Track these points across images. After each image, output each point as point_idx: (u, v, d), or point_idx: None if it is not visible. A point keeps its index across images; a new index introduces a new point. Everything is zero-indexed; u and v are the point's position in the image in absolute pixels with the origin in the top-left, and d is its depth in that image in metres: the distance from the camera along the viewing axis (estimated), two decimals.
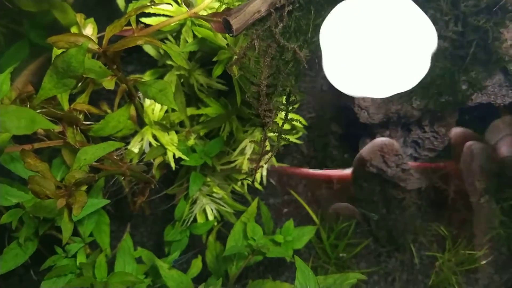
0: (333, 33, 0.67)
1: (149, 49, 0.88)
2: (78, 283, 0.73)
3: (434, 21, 0.78)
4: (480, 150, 0.91)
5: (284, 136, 0.68)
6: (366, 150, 1.01)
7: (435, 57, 0.80)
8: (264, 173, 1.01)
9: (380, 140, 0.96)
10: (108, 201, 0.74)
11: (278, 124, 0.68)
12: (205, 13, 0.71)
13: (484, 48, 0.76)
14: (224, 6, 0.67)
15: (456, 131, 0.92)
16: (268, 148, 0.95)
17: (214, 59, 0.75)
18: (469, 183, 0.95)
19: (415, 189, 1.05)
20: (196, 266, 0.89)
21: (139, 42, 0.62)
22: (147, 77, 0.90)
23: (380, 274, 1.10)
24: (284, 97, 0.66)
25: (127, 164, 0.80)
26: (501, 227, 1.05)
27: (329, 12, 0.67)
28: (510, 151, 0.91)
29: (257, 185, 0.98)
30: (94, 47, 0.65)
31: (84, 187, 0.65)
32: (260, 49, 0.62)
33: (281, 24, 0.63)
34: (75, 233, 0.81)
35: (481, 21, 0.74)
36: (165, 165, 0.90)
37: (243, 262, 0.82)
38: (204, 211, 0.92)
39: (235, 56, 0.63)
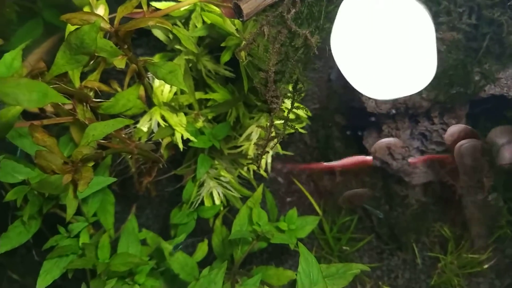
0: (346, 27, 0.67)
1: (158, 33, 0.88)
2: (80, 264, 0.73)
3: (448, 13, 0.78)
4: (471, 148, 0.89)
5: (290, 123, 0.67)
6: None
7: (448, 49, 0.80)
8: (269, 160, 1.01)
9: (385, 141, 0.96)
10: (114, 179, 0.75)
11: (284, 111, 0.68)
12: None
13: (498, 41, 0.75)
14: None
15: (452, 129, 0.90)
16: (273, 135, 0.96)
17: (222, 44, 0.75)
18: (464, 180, 0.94)
19: (420, 186, 1.05)
20: (202, 250, 0.90)
21: (150, 23, 0.62)
22: (156, 59, 0.90)
23: (383, 270, 1.10)
24: (291, 85, 0.65)
25: (135, 143, 0.80)
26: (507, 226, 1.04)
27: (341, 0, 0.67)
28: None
29: (262, 171, 0.99)
30: (106, 26, 0.65)
31: (91, 164, 0.66)
32: (270, 35, 0.62)
33: (294, 10, 0.63)
34: (79, 213, 0.82)
35: (495, 14, 0.73)
36: (173, 145, 0.90)
37: (247, 247, 0.82)
38: (211, 194, 0.92)
39: (244, 42, 0.63)
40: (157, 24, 0.62)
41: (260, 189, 0.90)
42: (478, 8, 0.75)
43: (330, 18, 0.65)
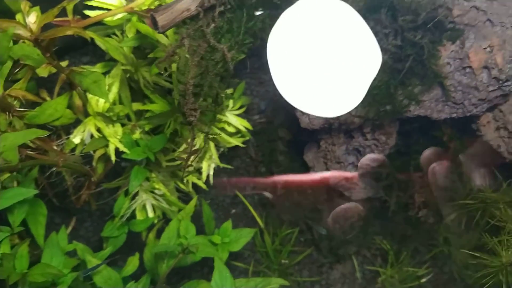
0: (280, 42, 0.68)
1: (99, 42, 0.88)
2: None
3: (375, 33, 0.79)
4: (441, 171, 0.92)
5: (212, 136, 0.68)
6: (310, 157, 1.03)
7: None
8: (211, 173, 1.01)
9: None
10: (35, 191, 0.73)
11: (207, 124, 0.69)
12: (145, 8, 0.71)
13: (420, 63, 0.77)
14: (157, 3, 0.68)
15: (426, 153, 0.92)
16: (213, 148, 0.96)
17: (150, 55, 0.76)
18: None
19: (361, 200, 1.06)
20: (133, 264, 0.88)
21: (69, 32, 0.62)
22: (97, 69, 0.90)
23: (322, 284, 1.10)
24: (209, 99, 0.66)
25: (62, 154, 0.79)
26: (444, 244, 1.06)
27: (263, 15, 0.68)
28: (482, 181, 0.92)
29: (200, 183, 0.99)
30: (26, 34, 0.65)
31: (5, 175, 0.65)
32: (190, 48, 0.63)
33: (213, 25, 0.64)
34: (6, 222, 0.80)
35: (417, 37, 0.75)
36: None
37: (173, 261, 0.81)
38: (145, 207, 0.92)
39: (165, 54, 0.63)
40: (76, 33, 0.62)
41: (192, 202, 0.90)
42: (401, 30, 0.77)
43: (251, 33, 0.66)
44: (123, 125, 0.91)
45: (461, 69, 0.77)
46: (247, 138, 1.05)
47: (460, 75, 0.77)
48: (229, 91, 1.00)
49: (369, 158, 0.92)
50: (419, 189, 0.95)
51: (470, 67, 0.76)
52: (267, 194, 1.07)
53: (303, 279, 1.10)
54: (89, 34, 0.65)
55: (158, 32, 0.60)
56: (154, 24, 0.60)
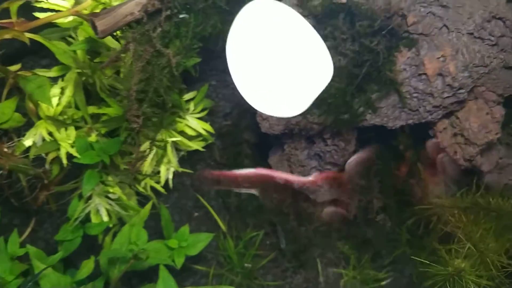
0: (237, 45, 0.67)
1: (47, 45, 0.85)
2: None
3: (333, 38, 0.79)
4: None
5: (158, 143, 0.66)
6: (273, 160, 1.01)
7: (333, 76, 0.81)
8: (170, 176, 1.00)
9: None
10: None
11: (153, 131, 0.67)
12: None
13: (377, 69, 0.77)
14: (101, 6, 0.66)
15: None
16: (170, 152, 0.95)
17: (96, 60, 0.74)
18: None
19: (325, 203, 1.06)
20: (87, 267, 0.87)
21: (6, 36, 0.60)
22: (53, 72, 0.88)
23: None
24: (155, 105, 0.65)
25: (11, 157, 0.77)
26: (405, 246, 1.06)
27: (213, 20, 0.67)
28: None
29: (159, 187, 0.97)
30: None
31: None
32: (135, 53, 0.61)
33: (160, 29, 0.62)
34: None
35: (373, 43, 0.74)
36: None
37: (125, 266, 0.80)
38: (99, 211, 0.90)
39: (108, 59, 0.62)
40: (14, 37, 0.60)
41: (147, 207, 0.89)
42: (358, 36, 0.76)
43: (199, 38, 0.65)
44: (79, 128, 0.89)
45: (417, 75, 0.77)
46: (210, 141, 1.03)
47: (416, 81, 0.77)
48: (191, 94, 0.99)
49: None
50: (377, 194, 0.95)
51: (425, 73, 0.75)
52: (254, 191, 1.05)
53: (267, 283, 1.09)
54: (28, 36, 0.63)
55: (98, 37, 0.59)
56: (94, 29, 0.58)
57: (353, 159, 0.93)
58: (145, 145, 0.90)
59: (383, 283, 1.06)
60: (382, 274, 1.07)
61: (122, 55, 0.61)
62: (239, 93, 1.09)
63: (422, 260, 0.76)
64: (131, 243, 0.80)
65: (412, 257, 0.80)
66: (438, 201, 0.85)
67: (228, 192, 1.12)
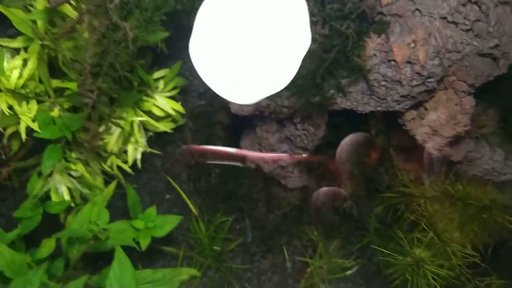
0: (206, 21, 0.65)
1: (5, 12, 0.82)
2: None
3: None
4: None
5: (114, 121, 0.64)
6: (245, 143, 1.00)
7: (304, 58, 0.79)
8: (139, 156, 0.98)
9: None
10: None
11: (109, 107, 0.65)
12: None
13: (345, 54, 0.75)
14: None
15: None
16: (137, 132, 0.92)
17: (53, 31, 0.71)
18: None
19: (297, 189, 1.04)
20: (48, 246, 0.85)
21: None
22: (18, 43, 0.85)
23: (253, 273, 1.09)
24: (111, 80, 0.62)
25: None
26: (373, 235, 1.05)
27: None
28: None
29: (126, 167, 0.95)
30: None
31: None
32: (89, 25, 0.59)
33: (117, 0, 0.59)
34: None
35: (343, 26, 0.72)
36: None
37: (84, 247, 0.78)
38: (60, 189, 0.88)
39: (63, 30, 0.59)
40: None
41: (111, 186, 0.87)
42: (329, 19, 0.74)
43: (170, 12, 0.62)
44: (41, 102, 0.86)
45: (386, 61, 0.75)
46: (181, 123, 1.01)
47: (385, 68, 0.75)
48: (162, 72, 0.96)
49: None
50: (346, 181, 0.94)
51: (394, 60, 0.73)
52: (239, 164, 1.03)
53: (235, 266, 1.08)
54: None
55: (51, 6, 0.56)
56: None
57: (343, 144, 0.91)
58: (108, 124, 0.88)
59: (349, 272, 1.06)
60: (349, 262, 1.07)
61: (78, 26, 0.59)
62: None
63: (382, 249, 0.76)
64: (91, 223, 0.78)
65: (373, 246, 0.80)
66: (405, 190, 0.84)
67: (199, 176, 1.10)
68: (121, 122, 0.87)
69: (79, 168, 0.88)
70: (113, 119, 0.66)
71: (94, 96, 0.60)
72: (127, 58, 0.61)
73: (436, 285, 0.73)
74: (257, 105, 0.87)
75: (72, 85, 0.85)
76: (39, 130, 0.80)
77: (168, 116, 0.96)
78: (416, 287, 0.72)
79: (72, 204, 0.89)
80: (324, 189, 0.99)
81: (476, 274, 0.76)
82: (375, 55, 0.75)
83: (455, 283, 0.76)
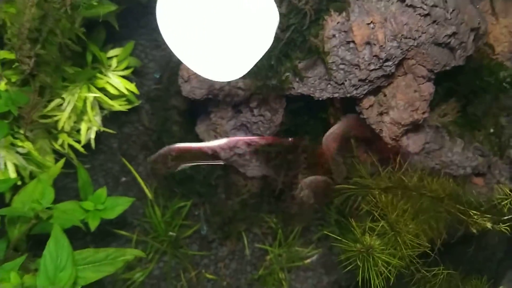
0: None
1: None
2: None
3: None
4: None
5: (57, 91, 0.60)
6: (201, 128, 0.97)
7: None
8: (92, 136, 0.94)
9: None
10: None
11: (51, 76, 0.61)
12: None
13: (302, 34, 0.73)
14: None
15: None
16: (90, 109, 0.89)
17: None
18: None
19: (257, 178, 1.02)
20: None
21: None
22: None
23: (211, 259, 1.07)
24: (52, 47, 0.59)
25: None
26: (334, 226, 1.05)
27: None
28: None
29: (77, 145, 0.91)
30: None
31: None
32: None
33: None
34: None
35: (301, 2, 0.70)
36: None
37: (26, 227, 0.74)
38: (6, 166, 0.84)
39: None
40: None
41: (59, 164, 0.83)
42: None
43: None
44: None
45: (345, 43, 0.73)
46: (135, 104, 0.98)
47: (344, 50, 0.73)
48: (116, 51, 0.93)
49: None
50: (303, 170, 0.92)
51: (353, 41, 0.72)
52: (220, 162, 1.00)
53: (192, 252, 1.06)
54: None
55: None
56: None
57: (330, 132, 0.89)
58: (59, 99, 0.84)
59: (308, 261, 1.05)
60: (308, 251, 1.06)
61: None
62: (170, 55, 1.04)
63: (334, 235, 0.75)
64: (34, 202, 0.74)
65: (326, 232, 0.79)
66: (360, 181, 0.83)
67: (157, 160, 1.07)
68: (73, 98, 0.83)
69: (26, 145, 0.84)
70: (56, 90, 0.62)
71: (32, 63, 0.56)
72: (69, 25, 0.58)
73: (387, 273, 0.72)
74: (210, 87, 0.84)
75: None
76: None
77: (122, 96, 0.93)
78: (367, 274, 0.71)
79: (19, 183, 0.85)
80: (310, 178, 0.96)
81: (425, 264, 0.76)
82: (334, 36, 0.73)
83: (405, 272, 0.76)
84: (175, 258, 1.05)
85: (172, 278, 1.03)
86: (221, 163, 0.99)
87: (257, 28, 0.62)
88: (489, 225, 0.65)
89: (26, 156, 0.85)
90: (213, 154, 0.98)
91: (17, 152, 0.85)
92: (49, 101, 0.83)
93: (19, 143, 0.83)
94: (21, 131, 0.85)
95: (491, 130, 0.87)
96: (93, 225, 0.85)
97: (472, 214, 0.67)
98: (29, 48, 0.56)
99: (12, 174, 0.84)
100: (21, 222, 0.76)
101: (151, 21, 0.94)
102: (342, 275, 1.06)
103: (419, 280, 0.74)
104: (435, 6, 0.69)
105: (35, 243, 0.89)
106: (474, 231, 0.68)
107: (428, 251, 0.76)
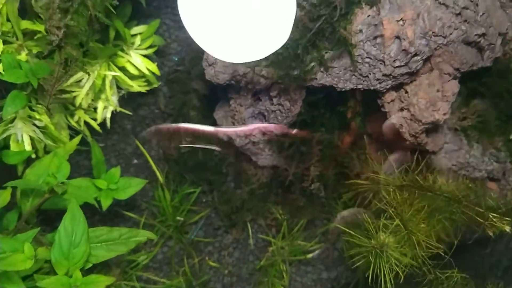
0: None
1: None
2: None
3: None
4: None
5: (80, 65, 0.60)
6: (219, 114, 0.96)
7: None
8: (108, 115, 0.94)
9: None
10: None
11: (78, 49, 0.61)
12: None
13: (332, 25, 0.72)
14: None
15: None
16: (108, 88, 0.88)
17: None
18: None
19: (268, 168, 1.02)
20: (2, 198, 0.80)
21: None
22: None
23: (215, 246, 1.07)
24: (81, 19, 0.58)
25: None
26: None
27: None
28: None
29: (94, 123, 0.91)
30: None
31: None
32: None
33: None
34: None
35: None
36: None
37: (38, 200, 0.74)
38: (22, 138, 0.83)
39: None
40: None
41: (75, 139, 0.83)
42: None
43: None
44: (8, 43, 0.80)
45: (372, 38, 0.72)
46: (155, 85, 0.97)
47: (370, 45, 0.73)
48: (140, 28, 0.92)
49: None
50: (316, 162, 0.92)
51: (382, 35, 0.71)
52: (216, 148, 1.00)
53: (197, 239, 1.06)
54: None
55: None
56: None
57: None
58: (80, 74, 0.84)
59: (310, 255, 1.05)
60: (311, 245, 1.05)
61: None
62: None
63: (347, 229, 0.74)
64: (49, 175, 0.74)
65: (334, 224, 0.78)
66: (374, 178, 0.83)
67: (169, 144, 1.06)
68: (93, 75, 0.83)
69: (43, 119, 0.83)
70: (80, 64, 0.62)
71: (61, 34, 0.56)
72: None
73: (399, 271, 0.72)
74: (234, 72, 0.83)
75: (43, 28, 0.80)
76: (2, 72, 0.75)
77: (142, 76, 0.92)
78: (379, 270, 0.71)
79: (33, 156, 0.85)
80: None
81: (438, 265, 0.75)
82: (361, 31, 0.73)
83: (416, 272, 0.75)
84: (180, 243, 1.05)
85: (175, 263, 1.03)
86: (217, 148, 0.98)
87: (277, 11, 0.61)
88: (507, 228, 0.64)
89: (43, 129, 0.84)
90: (228, 140, 0.97)
91: (34, 125, 0.84)
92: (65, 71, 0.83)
93: (37, 116, 0.82)
94: (39, 104, 0.85)
95: (511, 137, 0.87)
96: (106, 204, 0.85)
97: (491, 216, 0.66)
98: (59, 19, 0.55)
99: (28, 147, 0.83)
100: (34, 196, 0.76)
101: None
102: (342, 272, 1.06)
103: (431, 282, 0.74)
104: (465, 8, 0.69)
105: (45, 218, 0.89)
106: (491, 234, 0.68)
107: (441, 253, 0.75)
